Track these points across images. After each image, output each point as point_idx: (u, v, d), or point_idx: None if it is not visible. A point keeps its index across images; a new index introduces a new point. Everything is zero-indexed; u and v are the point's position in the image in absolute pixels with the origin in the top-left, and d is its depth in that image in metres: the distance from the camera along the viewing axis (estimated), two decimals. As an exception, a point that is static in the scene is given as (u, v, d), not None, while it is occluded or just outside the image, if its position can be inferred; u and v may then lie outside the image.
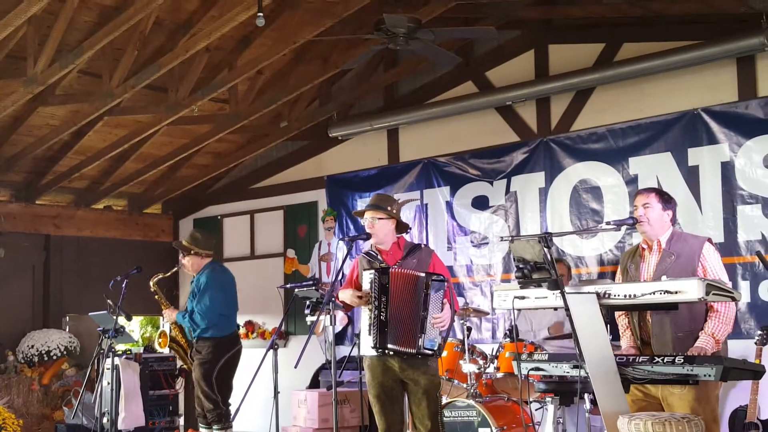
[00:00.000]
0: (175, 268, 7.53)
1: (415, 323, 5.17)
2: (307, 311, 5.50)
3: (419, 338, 5.15)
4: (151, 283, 7.27)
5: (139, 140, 8.45)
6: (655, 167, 7.09)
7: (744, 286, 6.54)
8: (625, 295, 4.39)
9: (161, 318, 7.31)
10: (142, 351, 8.67)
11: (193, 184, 10.00)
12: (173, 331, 7.19)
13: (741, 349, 5.90)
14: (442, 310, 5.23)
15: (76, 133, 8.28)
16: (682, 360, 4.30)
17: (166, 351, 7.72)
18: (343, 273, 5.83)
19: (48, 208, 9.51)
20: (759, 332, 5.96)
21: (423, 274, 5.23)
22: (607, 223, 4.85)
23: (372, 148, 9.00)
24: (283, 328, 9.26)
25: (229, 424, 6.85)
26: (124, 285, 6.78)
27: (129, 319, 7.18)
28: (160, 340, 7.32)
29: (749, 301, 6.54)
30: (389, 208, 5.46)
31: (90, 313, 7.24)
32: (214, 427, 6.84)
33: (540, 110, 7.90)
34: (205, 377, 6.87)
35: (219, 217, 10.30)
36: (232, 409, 5.38)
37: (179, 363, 8.05)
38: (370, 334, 5.23)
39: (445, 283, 5.26)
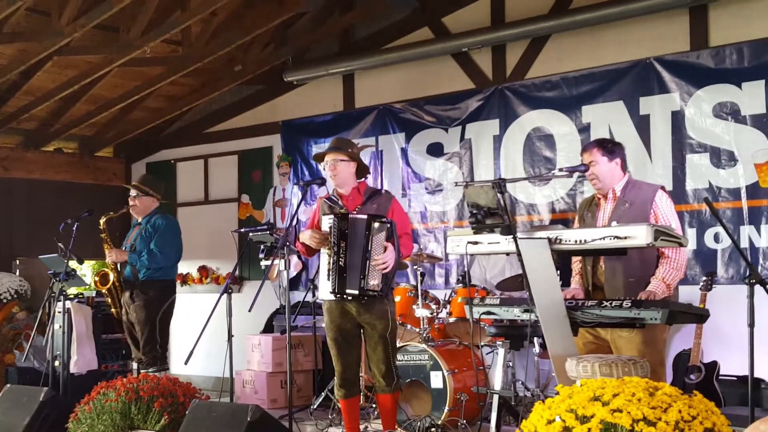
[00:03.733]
0: (125, 209, 7.47)
1: (359, 265, 5.21)
2: (261, 255, 5.52)
3: (362, 280, 5.20)
4: (101, 221, 7.22)
5: (90, 81, 8.28)
6: (607, 116, 7.15)
7: (691, 234, 6.68)
8: (575, 241, 4.47)
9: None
10: (94, 295, 8.62)
11: (145, 127, 9.85)
12: (112, 273, 7.18)
13: (686, 295, 6.06)
14: (385, 251, 5.27)
15: (24, 73, 8.09)
16: (630, 304, 4.41)
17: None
18: (298, 218, 5.84)
19: (-4, 149, 9.35)
20: (704, 278, 6.11)
21: (365, 217, 5.26)
22: (560, 170, 4.90)
23: (327, 94, 8.94)
24: (237, 273, 9.26)
25: (164, 367, 6.93)
26: (74, 228, 6.75)
27: (80, 262, 7.16)
28: (97, 278, 7.27)
29: (695, 248, 6.68)
30: (350, 150, 5.47)
31: (41, 256, 7.18)
32: (150, 370, 6.89)
33: (495, 57, 7.89)
34: (149, 318, 6.96)
35: (172, 162, 10.20)
36: (185, 352, 5.42)
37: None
38: (329, 279, 5.27)
39: (388, 225, 5.29)
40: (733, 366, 6.04)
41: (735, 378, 6.08)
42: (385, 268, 5.26)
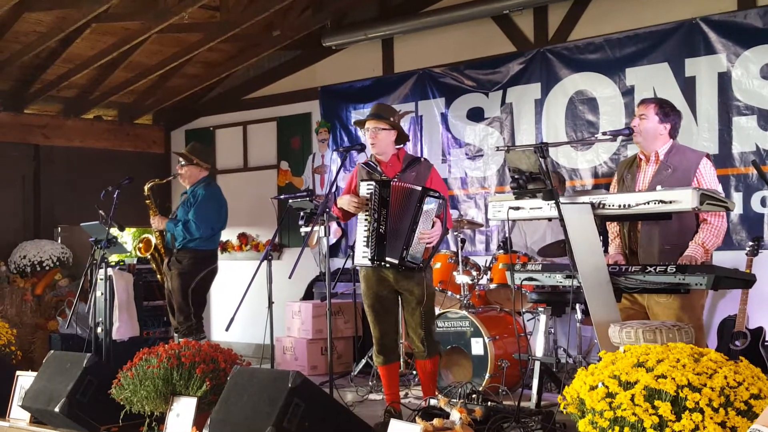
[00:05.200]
0: (171, 177, 7.54)
1: (404, 236, 5.17)
2: (301, 222, 5.49)
3: (404, 250, 5.15)
4: (145, 188, 7.26)
5: (128, 48, 8.27)
6: (651, 78, 7.01)
7: (737, 198, 6.55)
8: (619, 205, 4.40)
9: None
10: (135, 262, 8.69)
11: (184, 94, 9.86)
12: (156, 239, 7.23)
13: (732, 260, 5.97)
14: (432, 226, 5.22)
15: (63, 40, 8.11)
16: (674, 269, 4.33)
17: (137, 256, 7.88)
18: (337, 185, 5.80)
19: (37, 117, 9.40)
20: (750, 243, 6.02)
21: (419, 188, 5.20)
22: (604, 134, 4.82)
23: (366, 59, 8.86)
24: (276, 240, 9.28)
25: (201, 337, 6.93)
26: (115, 195, 6.77)
27: (121, 229, 7.20)
28: (141, 245, 7.34)
29: (741, 213, 6.56)
30: (392, 119, 5.40)
31: (82, 224, 7.23)
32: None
33: (537, 19, 7.75)
34: (182, 288, 6.96)
35: (211, 129, 10.21)
36: (225, 319, 5.45)
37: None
38: (368, 246, 5.23)
39: (440, 200, 5.24)
40: (779, 332, 5.95)
41: (781, 344, 5.99)
42: (430, 243, 5.21)
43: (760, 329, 5.85)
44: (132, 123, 10.26)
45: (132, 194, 7.39)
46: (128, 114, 10.16)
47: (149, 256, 7.39)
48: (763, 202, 6.51)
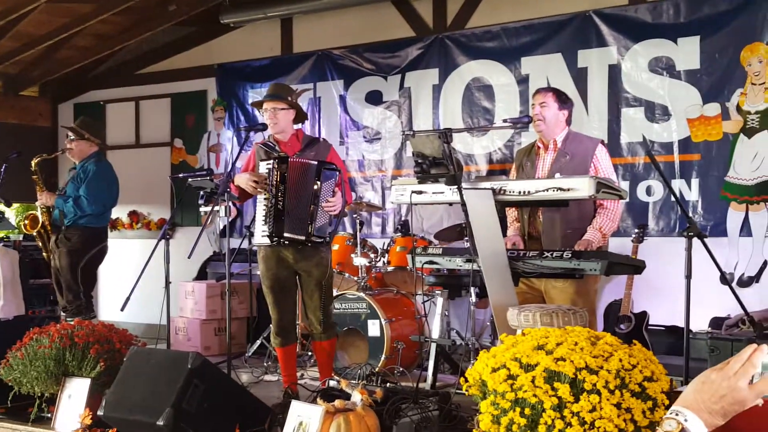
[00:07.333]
0: (60, 152, 7.31)
1: (307, 211, 5.18)
2: (201, 202, 5.41)
3: (309, 225, 5.17)
4: (32, 163, 7.01)
5: (16, 17, 7.95)
6: (545, 68, 7.19)
7: (624, 186, 6.76)
8: (519, 192, 4.52)
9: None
10: (20, 239, 8.39)
11: (73, 66, 9.53)
12: (42, 216, 7.02)
13: (618, 246, 6.18)
14: (333, 196, 5.26)
15: (-55, 7, 7.76)
16: (570, 255, 4.49)
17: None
18: (234, 164, 5.75)
19: None
20: (636, 230, 6.26)
21: (315, 162, 5.23)
22: (504, 121, 4.94)
23: (265, 37, 8.77)
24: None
25: (90, 316, 6.78)
26: (2, 170, 6.53)
27: (8, 205, 6.98)
28: (27, 222, 7.11)
29: (627, 201, 6.80)
30: (290, 98, 5.40)
31: (-34, 199, 6.96)
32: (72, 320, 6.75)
33: (436, 5, 7.83)
34: (71, 266, 6.80)
35: (101, 103, 9.92)
36: (114, 298, 5.33)
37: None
38: (266, 223, 5.21)
39: (338, 173, 5.28)
40: (660, 316, 6.22)
41: (663, 328, 6.27)
42: (333, 210, 5.24)
43: (644, 313, 6.11)
44: (17, 95, 9.87)
45: (18, 169, 7.13)
46: (13, 85, 9.76)
47: (35, 234, 7.14)
48: (648, 191, 6.78)
